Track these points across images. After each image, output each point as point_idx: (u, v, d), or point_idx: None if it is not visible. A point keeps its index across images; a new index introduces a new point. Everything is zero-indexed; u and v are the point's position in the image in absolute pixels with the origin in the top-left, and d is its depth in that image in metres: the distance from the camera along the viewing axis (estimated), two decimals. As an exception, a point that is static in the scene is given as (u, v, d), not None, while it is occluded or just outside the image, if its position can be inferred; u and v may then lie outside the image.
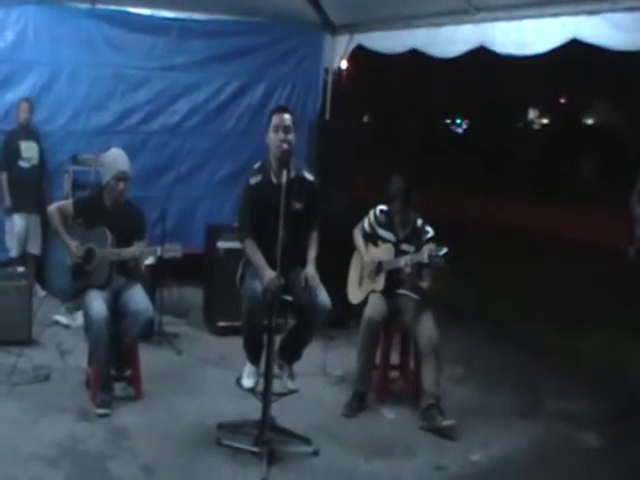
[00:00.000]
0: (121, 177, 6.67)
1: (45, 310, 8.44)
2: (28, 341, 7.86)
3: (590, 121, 39.49)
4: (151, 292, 8.02)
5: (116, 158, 6.80)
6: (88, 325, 6.51)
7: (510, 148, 32.12)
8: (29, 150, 9.27)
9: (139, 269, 6.79)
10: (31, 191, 9.23)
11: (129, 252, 6.61)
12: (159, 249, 6.61)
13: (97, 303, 6.47)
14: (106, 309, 6.46)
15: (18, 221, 9.28)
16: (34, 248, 9.42)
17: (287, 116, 5.93)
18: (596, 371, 8.21)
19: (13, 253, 9.31)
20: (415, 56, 9.09)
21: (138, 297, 6.69)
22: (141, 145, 9.95)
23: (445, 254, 6.43)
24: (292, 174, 5.85)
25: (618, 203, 9.89)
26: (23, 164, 9.23)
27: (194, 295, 9.40)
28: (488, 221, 18.66)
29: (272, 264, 5.66)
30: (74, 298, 7.00)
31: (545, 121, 41.83)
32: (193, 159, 10.38)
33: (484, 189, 23.76)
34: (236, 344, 6.31)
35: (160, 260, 6.95)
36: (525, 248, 15.59)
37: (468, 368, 8.19)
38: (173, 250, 6.58)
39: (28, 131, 9.29)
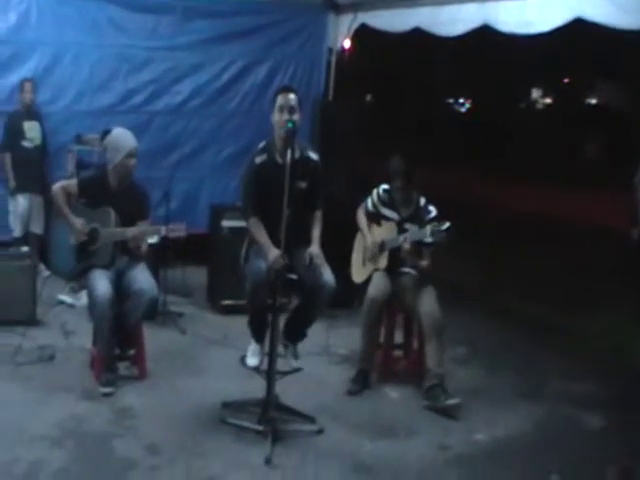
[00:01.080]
0: (133, 153, 6.69)
1: (49, 290, 8.45)
2: (32, 321, 7.87)
3: (594, 101, 39.34)
4: (155, 272, 8.00)
5: (124, 137, 6.79)
6: (92, 305, 6.52)
7: (513, 128, 32.00)
8: (32, 130, 9.27)
9: (140, 250, 6.78)
10: (34, 171, 9.24)
11: (133, 232, 6.60)
12: (164, 229, 6.62)
13: (101, 283, 6.47)
14: (110, 289, 6.47)
15: (22, 201, 9.27)
16: (37, 228, 9.45)
17: (292, 96, 5.94)
18: (600, 353, 8.21)
19: (17, 233, 9.30)
20: (418, 35, 9.04)
21: (142, 277, 6.69)
22: (145, 125, 9.90)
23: (448, 228, 6.46)
24: (297, 154, 5.85)
25: (622, 185, 9.84)
26: (27, 144, 9.24)
27: (198, 275, 9.40)
28: (491, 203, 18.63)
29: (276, 243, 5.67)
30: (78, 278, 7.00)
31: (548, 101, 41.69)
32: (197, 139, 10.37)
33: (486, 170, 23.70)
34: (240, 323, 6.33)
35: (164, 240, 6.95)
36: (528, 230, 15.58)
37: (472, 349, 8.21)
38: (178, 230, 6.60)
39: (31, 112, 9.28)
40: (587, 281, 11.31)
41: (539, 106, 42.14)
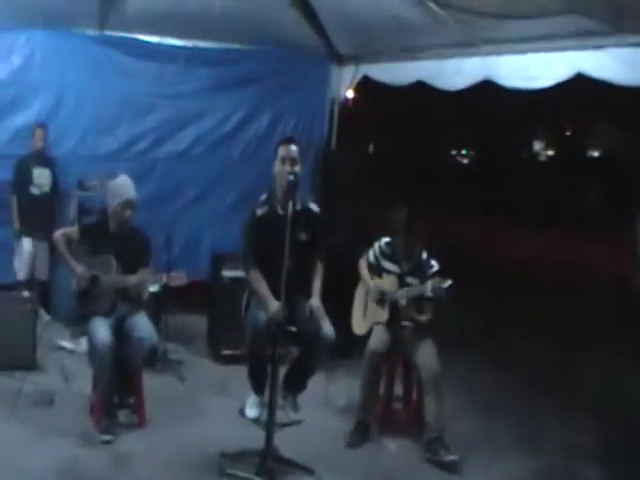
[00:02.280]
0: (128, 205, 6.71)
1: (50, 335, 8.46)
2: (32, 365, 7.87)
3: (596, 153, 39.53)
4: (156, 318, 8.02)
5: (123, 186, 6.84)
6: (92, 352, 6.52)
7: (515, 179, 32.14)
8: (41, 177, 9.30)
9: (141, 298, 6.79)
10: (40, 217, 9.22)
11: (134, 280, 6.63)
12: (164, 277, 6.64)
13: (102, 330, 6.47)
14: (111, 336, 6.47)
15: (26, 245, 9.26)
16: (41, 273, 9.39)
17: (294, 147, 5.99)
18: (601, 402, 8.16)
19: (21, 276, 9.25)
20: (421, 87, 9.11)
21: (142, 324, 6.70)
22: (148, 171, 9.94)
23: (449, 287, 6.49)
24: (298, 206, 5.89)
25: (622, 232, 9.88)
26: (34, 190, 9.29)
27: (198, 322, 9.39)
28: (494, 251, 18.67)
29: (277, 294, 5.68)
30: (79, 324, 7.00)
31: (550, 153, 41.87)
32: (199, 186, 10.38)
33: (489, 219, 23.78)
34: (239, 372, 6.33)
35: (165, 287, 6.97)
36: (531, 277, 15.58)
37: (472, 397, 8.18)
38: (178, 278, 6.62)
39: (42, 158, 9.33)
40: (588, 329, 11.30)
41: (542, 158, 42.31)
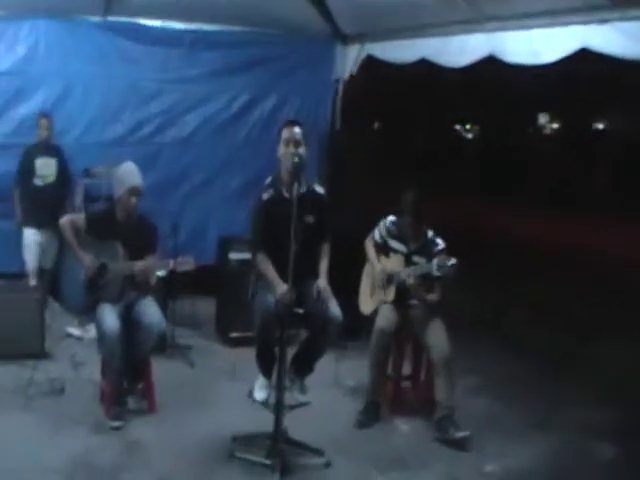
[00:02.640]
0: (134, 192, 6.68)
1: (58, 322, 8.46)
2: (41, 354, 7.89)
3: (601, 126, 39.30)
4: (164, 303, 8.03)
5: (128, 172, 6.80)
6: (101, 339, 6.52)
7: (520, 153, 32.01)
8: (45, 167, 9.12)
9: (149, 284, 6.79)
10: (44, 208, 9.00)
11: (141, 266, 6.61)
12: (172, 262, 6.63)
13: (110, 317, 6.48)
14: (119, 323, 6.47)
15: (30, 236, 9.13)
16: (46, 262, 9.29)
17: (297, 130, 5.96)
18: (612, 382, 8.12)
19: (30, 267, 9.12)
20: (425, 64, 9.06)
21: (151, 310, 6.69)
22: (153, 157, 9.95)
23: (453, 264, 6.50)
24: (303, 188, 5.86)
25: (633, 213, 9.84)
26: (37, 182, 9.11)
27: (207, 307, 9.39)
28: (500, 230, 18.60)
29: (284, 277, 5.67)
30: (87, 312, 7.00)
31: (555, 126, 41.63)
32: (205, 171, 10.38)
33: (495, 197, 23.71)
34: (248, 355, 6.32)
35: (172, 272, 6.96)
36: (539, 258, 15.52)
37: (483, 378, 8.17)
38: (186, 263, 6.60)
39: (47, 147, 9.17)
40: (597, 309, 11.27)
41: (547, 131, 42.07)
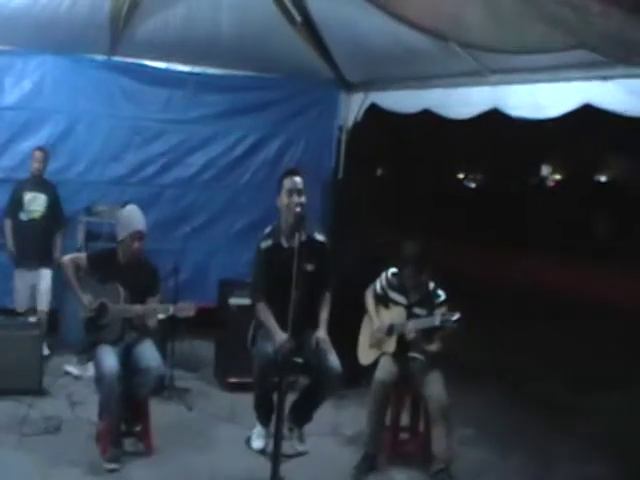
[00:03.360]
0: (137, 237, 6.70)
1: (56, 360, 8.44)
2: (39, 391, 7.85)
3: (603, 178, 39.48)
4: (163, 345, 8.02)
5: (132, 216, 6.83)
6: (100, 380, 6.50)
7: (523, 203, 32.08)
8: (33, 202, 9.00)
9: (148, 326, 6.80)
10: (32, 245, 8.94)
11: (141, 310, 6.63)
12: (172, 308, 6.64)
13: (109, 358, 6.47)
14: (118, 364, 6.46)
15: (17, 277, 8.99)
16: (43, 304, 9.00)
17: (298, 179, 6.03)
18: (611, 434, 8.12)
19: (19, 309, 8.90)
20: (429, 113, 9.12)
21: (149, 353, 6.68)
22: (156, 197, 9.99)
23: (458, 319, 6.48)
24: (303, 236, 5.88)
25: (635, 261, 9.88)
26: (22, 216, 8.98)
27: (205, 349, 9.38)
28: (502, 278, 18.61)
29: (284, 326, 5.68)
30: (86, 352, 6.99)
31: (558, 177, 41.80)
32: (208, 212, 10.41)
33: (498, 245, 23.71)
34: (246, 400, 6.35)
35: (172, 314, 6.97)
36: (541, 306, 15.53)
37: (481, 430, 8.15)
38: (186, 309, 6.61)
39: (38, 182, 9.06)
40: (597, 359, 11.27)
41: (549, 183, 42.23)
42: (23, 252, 8.95)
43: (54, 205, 9.15)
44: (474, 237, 24.88)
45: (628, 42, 5.40)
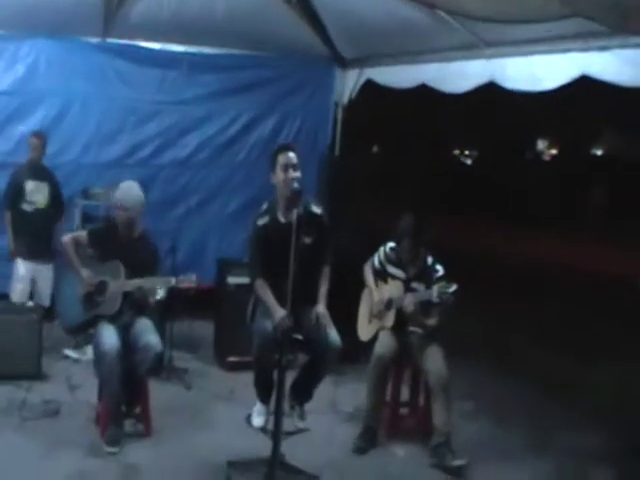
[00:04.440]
0: (116, 205, 6.80)
1: (55, 344, 8.42)
2: (38, 375, 7.84)
3: (599, 152, 39.48)
4: (161, 326, 8.01)
5: (120, 188, 6.90)
6: (100, 358, 6.50)
7: (520, 178, 32.08)
8: (36, 192, 8.72)
9: (147, 303, 6.80)
10: (35, 237, 8.64)
11: (143, 283, 6.64)
12: (173, 280, 6.63)
13: (109, 335, 6.50)
14: (118, 342, 6.48)
15: (21, 268, 8.72)
16: (43, 299, 8.80)
17: (292, 154, 5.97)
18: (608, 405, 8.15)
19: (15, 299, 8.63)
20: (424, 89, 9.08)
21: (148, 332, 6.68)
22: (152, 178, 9.91)
23: (454, 291, 6.48)
24: (300, 209, 5.84)
25: (631, 235, 9.88)
26: (26, 207, 8.68)
27: (204, 329, 9.35)
28: (499, 253, 18.62)
29: (283, 301, 5.65)
30: (84, 329, 6.98)
31: (554, 151, 41.78)
32: (204, 192, 10.39)
33: (494, 220, 23.73)
34: (246, 379, 6.31)
35: (171, 294, 6.96)
36: (537, 280, 15.55)
37: (479, 403, 8.14)
38: (188, 280, 6.60)
39: (38, 169, 8.78)
40: (594, 332, 11.28)
41: (545, 157, 42.22)
42: (26, 245, 8.67)
43: (56, 194, 8.94)
44: (469, 213, 24.91)
45: (624, 10, 5.36)
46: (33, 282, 8.86)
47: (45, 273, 8.84)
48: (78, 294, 6.84)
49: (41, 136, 8.79)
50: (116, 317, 6.70)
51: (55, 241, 8.59)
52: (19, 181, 8.71)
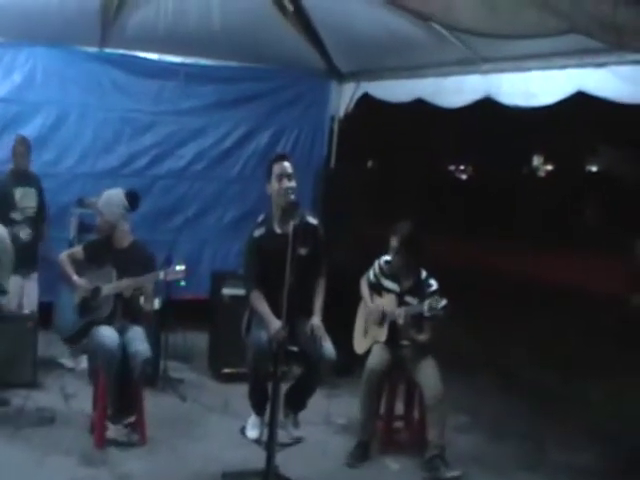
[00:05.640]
0: (97, 213, 6.98)
1: (50, 353, 8.42)
2: (33, 383, 7.83)
3: (594, 168, 39.57)
4: (156, 336, 8.03)
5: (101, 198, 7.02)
6: (100, 351, 6.54)
7: (515, 195, 32.15)
8: (26, 199, 8.50)
9: (139, 307, 6.85)
10: (25, 249, 8.13)
11: (133, 282, 6.68)
12: (162, 273, 6.67)
13: (107, 332, 6.57)
14: (117, 337, 6.56)
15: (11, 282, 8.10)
16: (31, 306, 8.59)
17: (287, 164, 6.00)
18: (602, 422, 8.17)
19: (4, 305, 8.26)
20: (420, 104, 9.12)
21: (137, 339, 6.72)
22: (147, 189, 9.85)
23: (444, 307, 6.49)
24: (296, 220, 5.86)
25: (622, 251, 9.92)
26: (15, 216, 8.34)
27: (199, 340, 9.33)
28: (493, 269, 18.64)
29: (278, 312, 5.67)
30: (80, 338, 6.98)
31: (549, 168, 41.85)
32: (199, 203, 10.39)
33: (489, 236, 23.76)
34: (240, 391, 6.33)
35: (166, 305, 6.97)
36: (530, 297, 15.57)
37: (474, 418, 8.15)
38: (177, 271, 6.63)
39: (25, 176, 8.55)
40: (588, 347, 11.31)
41: (541, 173, 42.29)
42: (16, 253, 7.90)
43: (42, 198, 8.77)
44: (465, 228, 24.94)
45: (620, 26, 5.39)
46: (21, 288, 8.61)
47: (32, 283, 8.69)
48: (74, 303, 6.87)
49: (25, 142, 8.58)
50: (110, 320, 6.73)
51: (41, 248, 8.61)
52: (7, 190, 8.43)
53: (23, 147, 8.54)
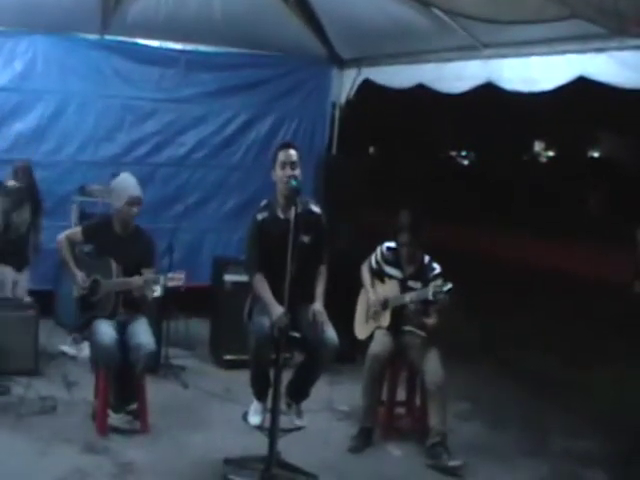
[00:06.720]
0: (134, 202, 6.72)
1: (51, 341, 8.42)
2: (34, 372, 7.82)
3: (596, 154, 39.54)
4: (158, 324, 8.02)
5: (128, 183, 6.86)
6: (99, 350, 6.52)
7: (516, 180, 32.11)
8: (19, 217, 8.35)
9: (144, 300, 6.80)
10: (19, 253, 8.38)
11: (132, 282, 6.64)
12: (162, 278, 6.62)
13: (106, 329, 6.52)
14: (115, 334, 6.51)
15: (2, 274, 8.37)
16: (23, 295, 8.41)
17: (293, 152, 5.97)
18: (603, 409, 8.17)
19: None
20: (422, 89, 9.10)
21: (141, 331, 6.68)
22: (149, 176, 9.83)
23: (449, 290, 6.47)
24: (299, 208, 5.84)
25: (624, 238, 9.89)
26: (11, 236, 8.30)
27: (201, 327, 9.36)
28: (494, 256, 18.62)
29: (280, 299, 5.66)
30: (81, 330, 6.99)
31: (551, 153, 41.82)
32: (200, 191, 10.38)
33: (490, 222, 23.73)
34: (242, 378, 6.33)
35: (167, 292, 6.95)
36: (531, 283, 15.56)
37: (475, 405, 8.16)
38: (176, 279, 6.59)
39: (19, 195, 8.30)
40: (589, 335, 11.31)
41: (542, 158, 42.26)
42: (6, 249, 8.33)
43: (36, 200, 8.58)
44: (467, 215, 24.90)
45: (622, 12, 5.38)
46: (14, 287, 8.50)
47: (24, 276, 8.57)
48: (74, 295, 6.85)
49: (28, 165, 8.48)
50: (112, 314, 6.70)
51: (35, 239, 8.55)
52: (3, 215, 8.29)
53: (25, 173, 8.38)
